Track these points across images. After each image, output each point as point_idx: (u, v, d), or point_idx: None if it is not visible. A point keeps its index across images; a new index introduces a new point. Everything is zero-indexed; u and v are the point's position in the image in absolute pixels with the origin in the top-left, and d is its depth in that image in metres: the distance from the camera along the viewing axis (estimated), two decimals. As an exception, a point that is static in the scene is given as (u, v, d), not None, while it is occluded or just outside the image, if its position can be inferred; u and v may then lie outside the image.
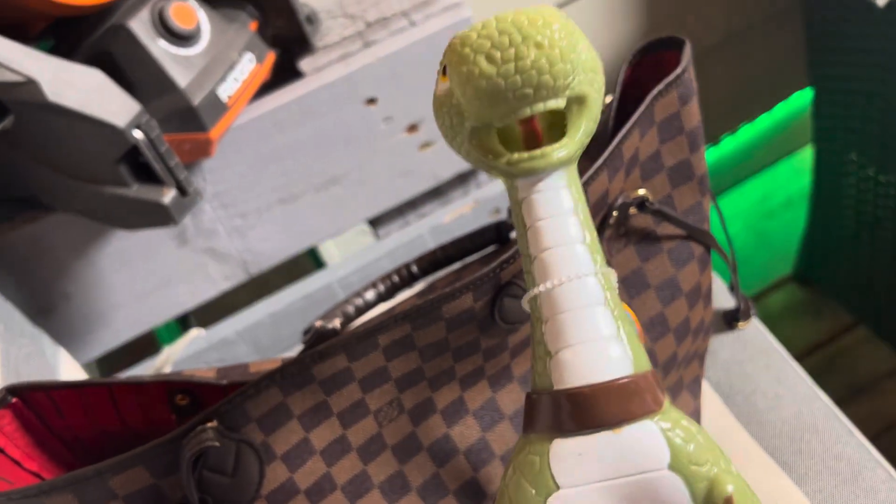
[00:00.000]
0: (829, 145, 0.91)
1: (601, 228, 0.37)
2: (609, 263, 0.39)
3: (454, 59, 0.23)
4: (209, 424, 0.29)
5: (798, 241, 1.07)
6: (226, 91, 0.52)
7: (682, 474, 0.24)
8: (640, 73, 0.40)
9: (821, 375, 0.99)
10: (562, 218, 0.24)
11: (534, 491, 0.24)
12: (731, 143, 1.12)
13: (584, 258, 0.24)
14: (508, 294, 0.34)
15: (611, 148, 0.34)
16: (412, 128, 0.63)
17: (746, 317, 0.52)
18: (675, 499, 0.23)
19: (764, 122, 1.12)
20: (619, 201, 0.37)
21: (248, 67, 0.53)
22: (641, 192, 0.37)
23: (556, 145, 0.24)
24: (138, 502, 0.30)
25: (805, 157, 1.15)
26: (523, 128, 0.25)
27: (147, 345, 0.78)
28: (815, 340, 1.04)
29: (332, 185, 0.62)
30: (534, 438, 0.25)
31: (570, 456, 0.24)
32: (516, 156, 0.24)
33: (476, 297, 0.33)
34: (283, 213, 0.62)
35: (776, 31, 0.97)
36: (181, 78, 0.50)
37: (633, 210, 0.38)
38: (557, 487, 0.24)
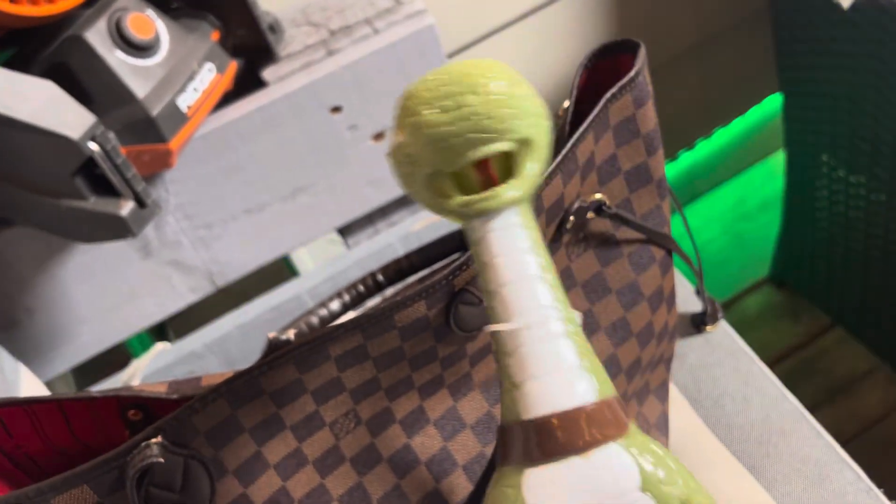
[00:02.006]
0: (800, 148, 0.92)
1: (558, 233, 0.37)
2: (569, 268, 0.39)
3: (403, 112, 0.25)
4: (154, 440, 0.29)
5: (774, 244, 1.08)
6: (185, 101, 0.51)
7: (654, 494, 0.24)
8: (597, 78, 0.40)
9: (798, 378, 0.99)
10: (518, 255, 0.25)
11: None
12: (705, 148, 1.12)
13: (544, 292, 0.25)
14: (463, 301, 0.33)
15: (564, 151, 0.34)
16: (378, 136, 0.63)
17: (714, 320, 0.52)
18: None
19: (737, 127, 1.12)
20: (576, 206, 0.36)
21: (209, 77, 0.53)
22: (598, 196, 0.37)
23: (506, 185, 0.25)
24: (83, 522, 0.29)
25: (779, 160, 1.16)
26: (481, 177, 0.26)
27: (127, 359, 0.77)
28: (793, 343, 1.04)
29: (298, 195, 0.62)
30: (507, 471, 0.25)
31: (543, 485, 0.24)
32: (468, 198, 0.25)
33: (429, 305, 0.33)
34: (249, 223, 0.61)
35: (747, 35, 0.97)
36: (139, 89, 0.49)
37: (590, 214, 0.37)
38: None
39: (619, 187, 0.39)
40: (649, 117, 0.38)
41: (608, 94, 0.36)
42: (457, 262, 0.32)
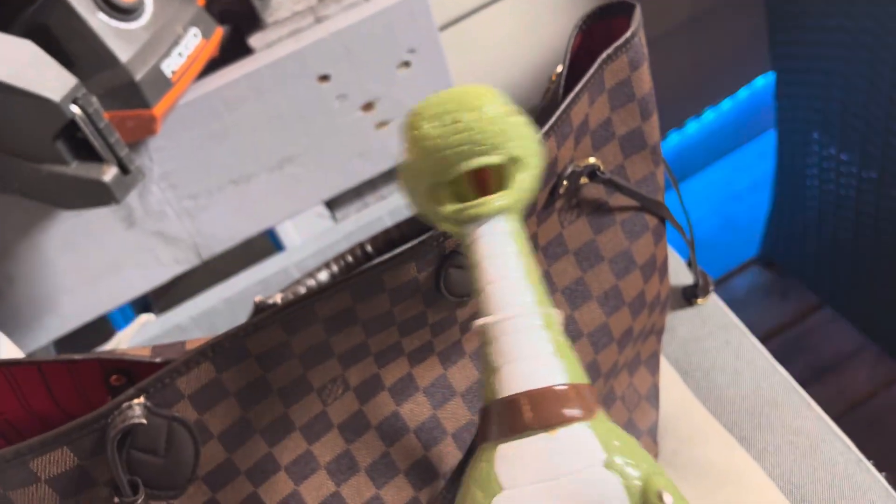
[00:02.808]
0: (791, 126, 0.91)
1: (551, 198, 0.36)
2: (561, 235, 0.38)
3: (406, 128, 0.28)
4: (136, 401, 0.28)
5: (763, 224, 1.08)
6: (170, 66, 0.50)
7: (617, 472, 0.26)
8: (591, 42, 0.39)
9: (786, 356, 1.00)
10: (505, 258, 0.28)
11: (482, 494, 0.26)
12: (695, 127, 1.12)
13: (526, 291, 0.28)
14: (453, 264, 0.33)
15: (558, 112, 0.33)
16: (368, 106, 0.62)
17: (705, 293, 0.52)
18: (611, 495, 0.26)
19: (728, 106, 1.12)
20: (569, 170, 0.36)
21: (194, 42, 0.52)
22: (592, 160, 0.36)
23: (496, 195, 0.28)
24: (63, 484, 0.28)
25: (769, 140, 1.16)
26: (477, 191, 0.28)
27: (110, 334, 0.76)
28: (781, 322, 1.04)
29: (286, 165, 0.61)
30: (484, 447, 0.27)
31: (513, 458, 0.26)
32: (462, 205, 0.28)
33: (419, 268, 0.32)
34: (235, 194, 0.60)
35: (739, 14, 0.97)
36: (122, 52, 0.48)
37: (583, 180, 0.37)
38: (501, 488, 0.26)
39: (613, 152, 0.38)
40: (644, 80, 0.37)
41: (604, 55, 0.35)
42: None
